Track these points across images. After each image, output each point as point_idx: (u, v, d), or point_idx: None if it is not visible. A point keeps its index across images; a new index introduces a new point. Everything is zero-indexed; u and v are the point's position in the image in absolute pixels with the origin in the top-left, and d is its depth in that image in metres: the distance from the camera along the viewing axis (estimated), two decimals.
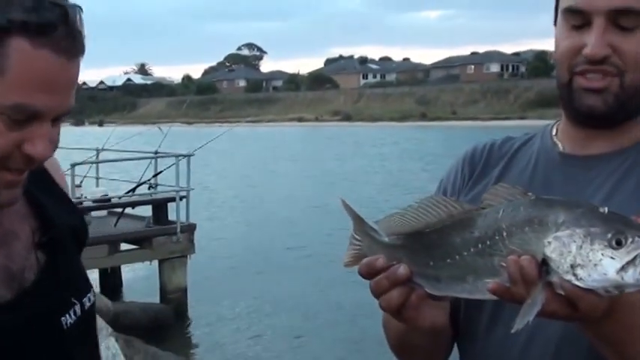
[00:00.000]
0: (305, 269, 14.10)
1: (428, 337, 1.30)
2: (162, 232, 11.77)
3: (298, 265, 14.50)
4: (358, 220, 1.23)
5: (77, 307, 1.20)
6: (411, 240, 1.14)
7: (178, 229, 11.66)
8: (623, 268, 0.96)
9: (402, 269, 1.12)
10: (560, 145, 1.38)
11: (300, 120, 79.31)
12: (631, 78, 1.26)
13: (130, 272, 13.14)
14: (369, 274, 1.14)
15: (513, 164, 1.41)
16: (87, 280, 1.27)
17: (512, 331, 1.00)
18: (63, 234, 1.22)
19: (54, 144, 1.10)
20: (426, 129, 60.08)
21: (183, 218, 11.80)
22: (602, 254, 0.97)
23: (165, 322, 11.06)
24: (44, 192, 1.25)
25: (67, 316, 1.18)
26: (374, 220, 1.22)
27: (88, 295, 1.23)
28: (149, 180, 12.87)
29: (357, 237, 1.23)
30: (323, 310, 11.50)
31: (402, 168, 31.06)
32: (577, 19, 1.27)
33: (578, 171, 1.32)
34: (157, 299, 11.74)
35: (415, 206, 1.13)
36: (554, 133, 1.41)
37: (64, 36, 1.03)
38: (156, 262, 11.83)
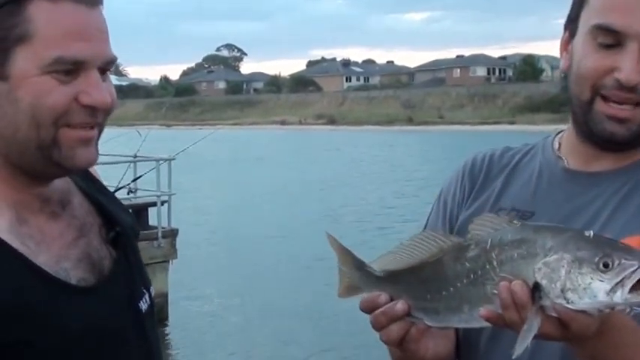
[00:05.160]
0: (289, 274, 14.03)
1: None
2: (143, 237, 11.44)
3: (282, 270, 14.39)
4: (343, 254, 1.24)
5: (147, 297, 1.30)
6: (407, 275, 1.17)
7: (160, 234, 11.53)
8: (612, 290, 1.01)
9: (399, 305, 1.15)
10: (564, 159, 1.37)
11: (283, 123, 79.09)
12: None
13: None
14: (370, 309, 1.16)
15: (515, 177, 1.40)
16: (147, 273, 1.36)
17: (513, 357, 1.03)
18: (127, 230, 1.31)
19: (111, 95, 1.16)
20: (413, 133, 60.36)
21: (164, 223, 11.68)
22: (592, 278, 1.01)
23: None
24: (97, 192, 1.33)
25: (142, 302, 1.28)
26: (361, 253, 1.23)
27: (150, 287, 1.34)
28: (128, 184, 12.66)
29: (344, 269, 1.24)
30: (307, 316, 11.39)
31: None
32: (608, 39, 1.24)
33: (581, 188, 1.32)
34: None
35: (406, 244, 1.18)
36: (556, 146, 1.40)
37: None
38: None
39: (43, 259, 1.14)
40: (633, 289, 1.00)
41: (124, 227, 1.30)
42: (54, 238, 1.18)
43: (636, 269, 1.00)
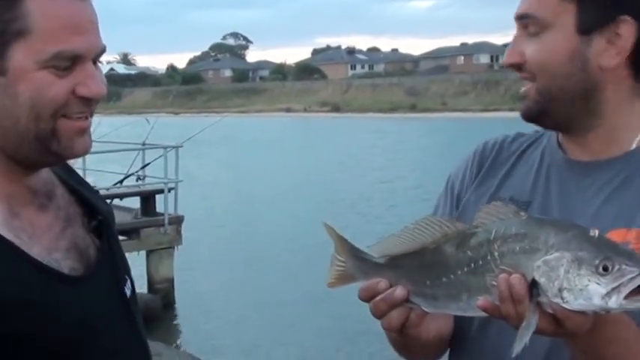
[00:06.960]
0: (293, 260, 14.07)
1: (433, 344, 1.32)
2: (150, 223, 11.70)
3: (286, 256, 14.47)
4: (341, 242, 1.24)
5: (129, 282, 1.33)
6: (407, 259, 1.16)
7: (166, 221, 11.64)
8: (607, 294, 0.99)
9: (398, 291, 1.14)
10: (563, 148, 1.36)
11: (288, 110, 78.93)
12: (542, 83, 1.26)
13: None
14: (370, 297, 1.16)
15: (519, 165, 1.40)
16: (127, 260, 1.40)
17: (513, 355, 1.03)
18: (107, 219, 1.34)
19: (103, 83, 1.19)
20: (416, 120, 60.08)
21: (171, 210, 11.81)
22: (589, 280, 1.00)
23: (153, 312, 11.01)
24: (76, 182, 1.34)
25: (126, 288, 1.32)
26: (359, 241, 1.25)
27: (131, 272, 1.37)
28: (137, 171, 12.81)
29: (340, 258, 1.24)
30: (311, 301, 11.41)
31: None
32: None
33: (577, 178, 1.31)
34: (144, 290, 11.63)
35: (411, 227, 1.17)
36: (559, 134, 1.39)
37: None
38: (143, 253, 11.75)
39: (37, 251, 1.16)
40: (631, 294, 0.99)
41: (104, 216, 1.32)
42: (43, 230, 1.20)
43: (635, 276, 0.99)
